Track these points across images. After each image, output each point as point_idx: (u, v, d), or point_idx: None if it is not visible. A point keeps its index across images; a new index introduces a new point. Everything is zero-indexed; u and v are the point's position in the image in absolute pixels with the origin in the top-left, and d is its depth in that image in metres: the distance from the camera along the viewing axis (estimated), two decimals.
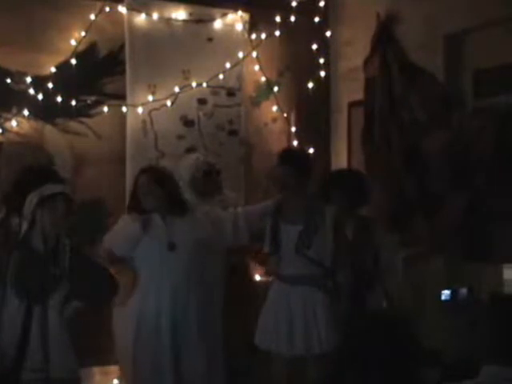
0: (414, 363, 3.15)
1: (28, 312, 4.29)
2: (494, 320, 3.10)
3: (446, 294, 5.25)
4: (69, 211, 4.49)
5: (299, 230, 4.93)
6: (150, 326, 5.07)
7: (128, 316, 5.14)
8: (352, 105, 7.39)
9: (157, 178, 5.23)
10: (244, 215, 5.42)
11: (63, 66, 6.52)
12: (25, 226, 4.42)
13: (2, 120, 6.32)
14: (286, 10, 7.28)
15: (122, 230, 5.23)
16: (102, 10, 6.67)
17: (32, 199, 4.42)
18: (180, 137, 6.91)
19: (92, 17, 6.63)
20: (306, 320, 4.85)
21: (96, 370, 6.33)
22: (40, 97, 6.38)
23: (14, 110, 6.35)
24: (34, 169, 5.27)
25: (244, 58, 7.16)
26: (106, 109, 6.68)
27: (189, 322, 5.10)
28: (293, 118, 7.49)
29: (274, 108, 7.46)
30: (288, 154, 5.25)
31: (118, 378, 6.25)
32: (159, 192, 5.17)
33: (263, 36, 7.29)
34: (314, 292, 4.88)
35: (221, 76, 6.99)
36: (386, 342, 4.61)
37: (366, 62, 6.82)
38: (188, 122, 6.95)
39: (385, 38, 6.66)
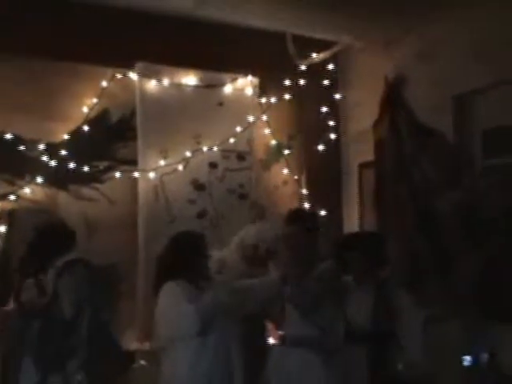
0: None
1: (43, 380, 4.28)
2: None
3: (467, 359, 5.13)
4: (88, 276, 4.52)
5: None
6: None
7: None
8: (362, 166, 7.42)
9: None
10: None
11: (76, 133, 6.61)
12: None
13: (16, 187, 6.37)
14: (295, 74, 7.38)
15: (204, 301, 4.87)
16: (113, 77, 6.78)
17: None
18: (191, 201, 6.95)
19: (104, 83, 6.73)
20: (299, 382, 4.76)
21: None
22: (53, 163, 6.45)
23: (28, 177, 6.41)
24: (48, 230, 5.29)
25: (254, 121, 7.24)
26: (118, 174, 6.73)
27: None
28: (304, 181, 7.53)
29: (285, 171, 7.52)
30: (294, 214, 5.21)
31: None
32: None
33: (273, 100, 7.38)
34: (311, 354, 4.81)
35: (231, 140, 7.06)
36: None
37: (376, 123, 6.84)
38: (199, 186, 6.99)
39: (393, 99, 6.69)
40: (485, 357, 5.13)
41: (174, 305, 4.85)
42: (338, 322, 4.83)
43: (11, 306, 4.99)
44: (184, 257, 4.94)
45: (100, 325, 4.54)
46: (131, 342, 6.44)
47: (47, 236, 5.13)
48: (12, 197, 6.36)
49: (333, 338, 4.78)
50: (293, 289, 4.90)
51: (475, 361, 5.13)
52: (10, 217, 6.28)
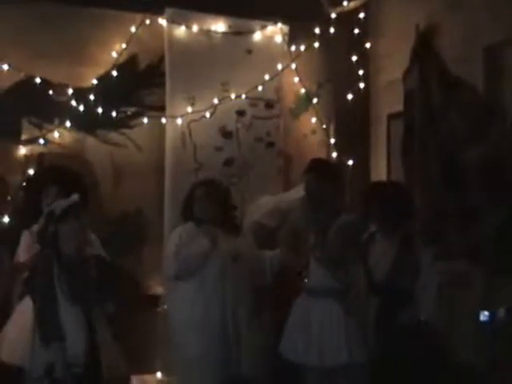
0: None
1: (87, 316, 4.35)
2: None
3: (484, 314, 5.10)
4: (86, 220, 4.54)
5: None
6: (214, 335, 5.10)
7: (189, 326, 5.13)
8: (391, 117, 7.35)
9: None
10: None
11: (104, 78, 6.63)
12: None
13: (45, 131, 6.44)
14: (325, 22, 7.28)
15: (191, 246, 5.17)
16: (142, 23, 6.76)
17: (55, 210, 4.43)
18: (218, 148, 6.95)
19: (132, 29, 6.73)
20: (321, 331, 4.80)
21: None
22: (81, 108, 6.49)
23: (56, 122, 6.47)
24: (46, 170, 5.35)
25: (283, 69, 7.19)
26: (145, 120, 6.76)
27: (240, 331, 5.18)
28: (332, 130, 7.49)
29: (313, 120, 7.48)
30: (311, 163, 5.22)
31: None
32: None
33: (302, 48, 7.31)
34: (331, 305, 4.84)
35: (260, 88, 7.02)
36: (416, 354, 4.58)
37: (406, 74, 6.77)
38: (226, 134, 6.99)
39: (424, 49, 6.61)
40: (502, 312, 5.11)
41: (169, 245, 5.26)
42: (360, 276, 4.84)
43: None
44: (191, 201, 5.30)
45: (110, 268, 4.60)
46: (156, 287, 6.55)
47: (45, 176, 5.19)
48: (41, 141, 6.42)
49: (354, 292, 4.81)
50: (314, 240, 4.93)
51: (492, 316, 5.11)
52: (38, 160, 6.35)
